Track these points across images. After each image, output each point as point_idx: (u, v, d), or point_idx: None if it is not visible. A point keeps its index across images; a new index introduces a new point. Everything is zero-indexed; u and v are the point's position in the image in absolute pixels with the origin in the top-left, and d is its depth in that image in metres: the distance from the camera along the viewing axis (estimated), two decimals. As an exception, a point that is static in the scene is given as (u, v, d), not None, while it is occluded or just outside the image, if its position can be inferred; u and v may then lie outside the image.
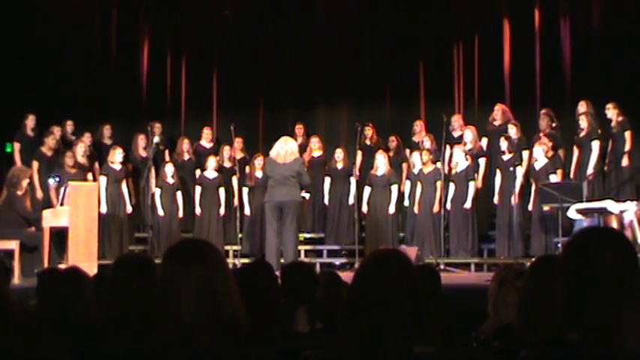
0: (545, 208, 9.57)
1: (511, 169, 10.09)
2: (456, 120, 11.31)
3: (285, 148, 9.44)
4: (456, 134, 11.15)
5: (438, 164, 10.67)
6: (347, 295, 2.40)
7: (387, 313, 2.21)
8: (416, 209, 10.68)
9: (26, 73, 12.18)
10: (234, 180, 11.36)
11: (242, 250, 11.02)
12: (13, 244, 9.29)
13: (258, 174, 10.97)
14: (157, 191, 11.01)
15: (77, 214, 9.49)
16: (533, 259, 3.28)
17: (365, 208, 10.89)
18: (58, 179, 10.42)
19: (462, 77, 12.22)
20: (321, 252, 11.28)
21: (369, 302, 2.24)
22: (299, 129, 11.92)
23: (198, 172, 11.44)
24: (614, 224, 8.47)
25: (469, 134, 10.90)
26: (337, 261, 10.96)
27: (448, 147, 10.93)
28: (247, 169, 11.45)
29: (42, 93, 12.23)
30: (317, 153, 11.54)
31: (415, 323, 2.23)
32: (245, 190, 11.23)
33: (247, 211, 11.17)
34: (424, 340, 2.27)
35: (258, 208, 10.84)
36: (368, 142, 11.59)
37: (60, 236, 9.64)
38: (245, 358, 2.38)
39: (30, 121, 11.28)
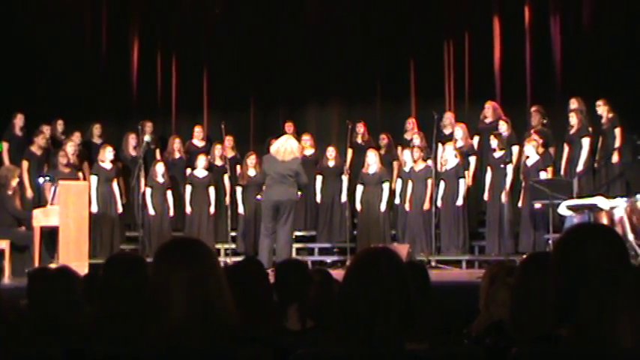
0: (537, 205, 9.60)
1: (502, 166, 10.12)
2: (448, 117, 11.33)
3: (285, 146, 9.44)
4: (447, 131, 11.17)
5: (429, 162, 10.69)
6: (338, 292, 2.40)
7: (377, 311, 2.21)
8: (407, 207, 10.69)
9: (15, 72, 12.12)
10: (226, 178, 11.35)
11: (237, 249, 11.04)
12: (4, 244, 9.27)
13: (251, 172, 10.96)
14: (148, 190, 10.98)
15: (68, 213, 9.46)
16: (524, 256, 3.28)
17: (358, 207, 10.89)
18: (48, 179, 10.38)
19: (453, 75, 12.22)
20: (313, 250, 11.28)
21: (360, 300, 2.24)
22: (289, 127, 11.90)
23: (188, 170, 11.42)
24: (605, 220, 8.49)
25: (459, 132, 10.92)
26: (329, 259, 10.97)
27: (440, 144, 10.94)
28: (239, 167, 11.43)
29: (31, 92, 12.18)
30: (309, 151, 11.53)
31: (406, 321, 2.23)
32: (238, 189, 11.21)
33: (241, 210, 11.15)
34: (415, 338, 2.28)
35: (252, 207, 10.84)
36: (359, 140, 11.60)
37: (50, 236, 9.61)
38: (236, 356, 2.38)
39: (19, 121, 11.24)
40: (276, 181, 9.28)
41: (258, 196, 10.09)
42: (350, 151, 11.53)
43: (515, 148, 10.50)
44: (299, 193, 9.92)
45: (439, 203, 10.56)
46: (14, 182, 9.83)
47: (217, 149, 11.50)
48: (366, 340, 2.21)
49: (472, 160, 10.85)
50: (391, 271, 2.27)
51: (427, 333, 2.38)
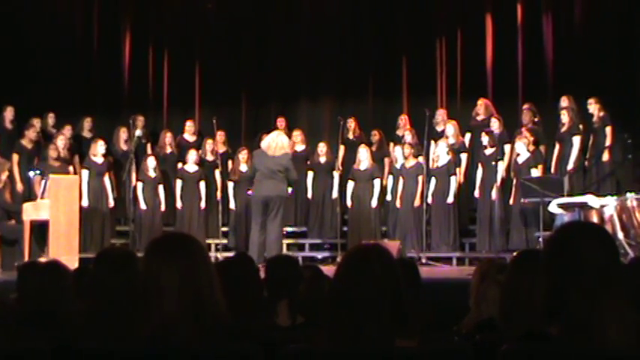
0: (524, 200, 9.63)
1: (493, 163, 10.14)
2: (441, 114, 11.34)
3: (276, 141, 9.43)
4: (439, 129, 11.18)
5: (420, 158, 10.69)
6: (329, 289, 2.39)
7: (368, 308, 2.21)
8: (398, 203, 10.70)
9: (6, 65, 12.06)
10: (217, 173, 11.33)
11: (228, 244, 11.04)
12: (-7, 237, 9.25)
13: (243, 168, 10.94)
14: (139, 185, 10.95)
15: (58, 207, 9.43)
16: (514, 254, 3.29)
17: (349, 203, 10.89)
18: (38, 172, 10.35)
19: (445, 72, 12.23)
20: (304, 246, 11.28)
21: (351, 297, 2.24)
22: (280, 122, 11.89)
23: (179, 165, 11.40)
24: (595, 219, 8.51)
25: (451, 129, 10.93)
26: (319, 255, 10.97)
27: (432, 141, 10.95)
28: (230, 163, 11.41)
29: (22, 85, 12.12)
30: (300, 147, 11.51)
31: (397, 318, 2.24)
32: (230, 184, 11.20)
33: (232, 205, 11.15)
34: (405, 335, 2.28)
35: (243, 202, 10.83)
36: (350, 136, 11.60)
37: (41, 229, 9.58)
38: (226, 351, 2.38)
39: (8, 113, 11.19)
40: (266, 176, 9.27)
41: (249, 191, 10.10)
42: (342, 148, 11.53)
43: (506, 146, 10.53)
44: (289, 189, 9.91)
45: (430, 200, 10.57)
46: (4, 176, 9.80)
47: (208, 144, 11.48)
48: (355, 337, 2.21)
49: (463, 157, 10.87)
50: (383, 268, 2.28)
51: (417, 330, 2.38)
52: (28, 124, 10.95)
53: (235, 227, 11.10)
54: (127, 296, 2.62)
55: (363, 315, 2.21)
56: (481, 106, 11.09)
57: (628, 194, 8.73)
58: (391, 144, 11.50)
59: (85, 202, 10.45)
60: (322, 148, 11.26)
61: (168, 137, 11.69)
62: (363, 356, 2.26)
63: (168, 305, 2.30)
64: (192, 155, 11.15)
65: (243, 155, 11.00)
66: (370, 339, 2.20)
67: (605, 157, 10.07)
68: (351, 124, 11.59)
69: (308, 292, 3.64)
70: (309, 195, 11.31)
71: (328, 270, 4.05)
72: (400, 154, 10.86)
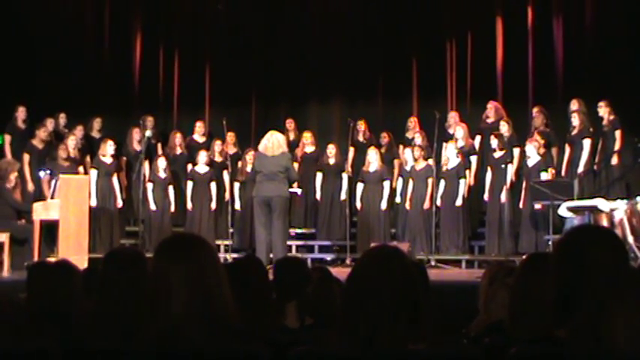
0: (537, 206, 9.60)
1: (502, 166, 10.12)
2: (452, 117, 11.32)
3: (271, 140, 9.46)
4: (451, 131, 11.15)
5: (430, 161, 10.68)
6: (344, 291, 2.39)
7: (385, 311, 2.21)
8: (407, 206, 10.68)
9: (18, 65, 12.12)
10: (226, 174, 11.35)
11: (233, 244, 11.03)
12: (3, 237, 9.26)
13: (250, 169, 10.96)
14: (149, 185, 10.97)
15: (68, 207, 9.46)
16: (524, 257, 3.28)
17: (359, 205, 10.88)
18: (48, 172, 10.38)
19: (455, 74, 12.21)
20: (313, 247, 11.28)
21: (369, 299, 2.23)
22: (289, 123, 11.90)
23: (189, 166, 11.42)
24: (605, 222, 8.49)
25: (460, 131, 10.91)
26: (328, 256, 10.96)
27: (444, 143, 10.93)
28: (239, 164, 11.43)
29: (33, 85, 12.18)
30: (310, 148, 11.52)
31: (412, 322, 2.23)
32: (236, 185, 11.21)
33: (237, 205, 11.15)
34: (414, 337, 2.27)
35: (249, 202, 10.83)
36: (360, 138, 11.59)
37: (50, 229, 9.61)
38: (235, 352, 2.38)
39: (21, 113, 11.23)
40: (267, 177, 9.31)
41: (298, 190, 10.12)
42: (351, 149, 11.52)
43: (516, 149, 10.50)
44: (299, 190, 9.90)
45: (439, 202, 10.55)
46: (13, 176, 9.82)
47: (217, 145, 11.50)
48: (369, 340, 2.20)
49: (473, 159, 10.84)
50: (403, 271, 2.27)
51: (426, 332, 2.38)
52: (40, 123, 10.99)
53: (240, 228, 11.10)
54: (136, 296, 2.63)
55: (380, 318, 2.21)
56: (491, 109, 11.07)
57: (638, 198, 8.72)
58: (401, 146, 11.48)
59: (93, 202, 10.47)
60: (331, 149, 11.25)
61: (178, 138, 11.71)
62: (373, 359, 2.25)
63: (176, 306, 2.31)
64: (202, 156, 11.17)
65: (250, 156, 11.00)
66: (383, 342, 2.20)
67: (615, 160, 10.03)
68: (361, 126, 11.58)
69: (316, 293, 3.64)
70: (318, 196, 11.30)
71: (337, 272, 4.05)
72: (410, 157, 10.85)
